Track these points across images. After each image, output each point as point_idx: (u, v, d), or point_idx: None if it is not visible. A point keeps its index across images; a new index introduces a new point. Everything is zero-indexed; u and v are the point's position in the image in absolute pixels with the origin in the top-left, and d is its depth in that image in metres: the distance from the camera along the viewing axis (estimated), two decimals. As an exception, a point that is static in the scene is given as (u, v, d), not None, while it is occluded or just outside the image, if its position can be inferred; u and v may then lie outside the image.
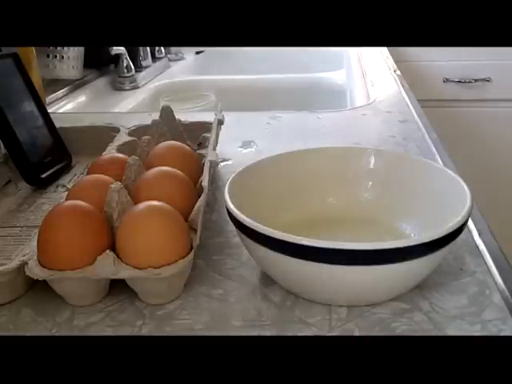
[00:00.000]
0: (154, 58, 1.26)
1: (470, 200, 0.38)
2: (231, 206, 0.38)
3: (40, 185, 0.55)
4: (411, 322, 0.36)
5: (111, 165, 0.48)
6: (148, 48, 1.20)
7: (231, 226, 0.39)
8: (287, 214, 0.45)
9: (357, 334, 0.35)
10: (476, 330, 0.35)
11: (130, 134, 0.62)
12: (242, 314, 0.37)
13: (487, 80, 1.61)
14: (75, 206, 0.40)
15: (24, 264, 0.38)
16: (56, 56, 0.96)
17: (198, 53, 1.40)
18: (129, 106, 1.00)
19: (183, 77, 1.22)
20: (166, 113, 0.60)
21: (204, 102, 0.95)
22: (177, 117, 0.61)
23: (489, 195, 1.47)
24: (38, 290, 0.40)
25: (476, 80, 1.61)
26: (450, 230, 0.35)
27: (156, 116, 0.59)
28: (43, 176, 0.55)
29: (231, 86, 1.15)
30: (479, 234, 0.45)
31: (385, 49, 1.25)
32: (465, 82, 1.61)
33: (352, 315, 0.36)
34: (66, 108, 0.93)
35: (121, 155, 0.51)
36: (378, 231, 0.44)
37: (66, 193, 0.45)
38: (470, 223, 0.46)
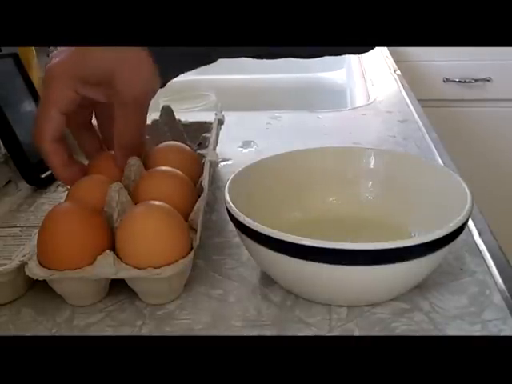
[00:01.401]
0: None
1: (470, 200, 0.38)
2: (231, 206, 0.38)
3: (40, 185, 0.55)
4: (411, 322, 0.36)
5: (110, 164, 0.48)
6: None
7: (231, 226, 0.39)
8: (287, 213, 0.45)
9: (357, 333, 0.35)
10: (476, 330, 0.35)
11: (130, 134, 0.61)
12: (242, 314, 0.37)
13: (487, 80, 1.61)
14: (75, 206, 0.40)
15: (24, 264, 0.38)
16: (56, 56, 0.95)
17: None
18: (129, 106, 1.00)
19: (183, 77, 1.21)
20: (166, 113, 0.60)
21: (204, 102, 0.95)
22: (177, 117, 0.61)
23: (489, 195, 1.47)
24: (38, 290, 0.40)
25: (476, 80, 1.61)
26: (450, 230, 0.35)
27: (156, 116, 0.59)
28: (43, 176, 0.55)
29: (231, 86, 1.15)
30: (479, 234, 0.45)
31: (385, 49, 1.25)
32: (465, 81, 1.61)
33: (352, 315, 0.36)
34: (65, 108, 0.93)
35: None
36: (377, 231, 0.44)
37: (66, 193, 0.45)
38: (470, 223, 0.46)
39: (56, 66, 0.45)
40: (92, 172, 0.48)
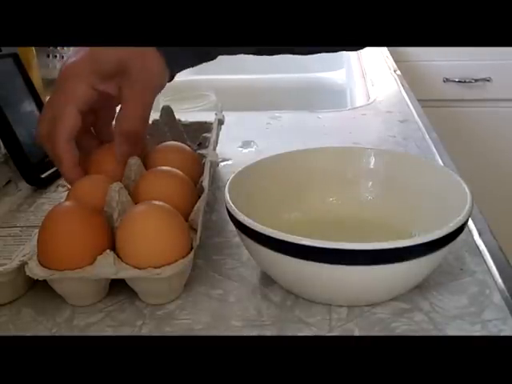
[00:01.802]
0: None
1: (470, 200, 0.38)
2: (231, 206, 0.38)
3: (40, 185, 0.55)
4: (411, 322, 0.36)
5: (110, 155, 0.48)
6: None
7: (231, 226, 0.39)
8: (287, 213, 0.45)
9: (357, 333, 0.35)
10: (476, 330, 0.35)
11: (130, 134, 0.61)
12: (242, 314, 0.37)
13: (487, 80, 1.61)
14: (75, 206, 0.40)
15: (24, 264, 0.38)
16: (56, 56, 0.96)
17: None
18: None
19: (183, 77, 1.21)
20: (166, 113, 0.60)
21: (204, 102, 0.95)
22: (177, 117, 0.61)
23: (489, 195, 1.47)
24: (38, 290, 0.40)
25: (476, 80, 1.61)
26: (450, 230, 0.35)
27: (156, 116, 0.59)
28: (43, 176, 0.55)
29: (231, 86, 1.15)
30: (479, 234, 0.45)
31: (385, 49, 1.25)
32: (465, 81, 1.61)
33: (352, 315, 0.36)
34: (65, 108, 0.93)
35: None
36: (378, 231, 0.44)
37: (66, 193, 0.45)
38: (470, 223, 0.46)
39: (72, 65, 0.46)
40: (91, 164, 0.48)
